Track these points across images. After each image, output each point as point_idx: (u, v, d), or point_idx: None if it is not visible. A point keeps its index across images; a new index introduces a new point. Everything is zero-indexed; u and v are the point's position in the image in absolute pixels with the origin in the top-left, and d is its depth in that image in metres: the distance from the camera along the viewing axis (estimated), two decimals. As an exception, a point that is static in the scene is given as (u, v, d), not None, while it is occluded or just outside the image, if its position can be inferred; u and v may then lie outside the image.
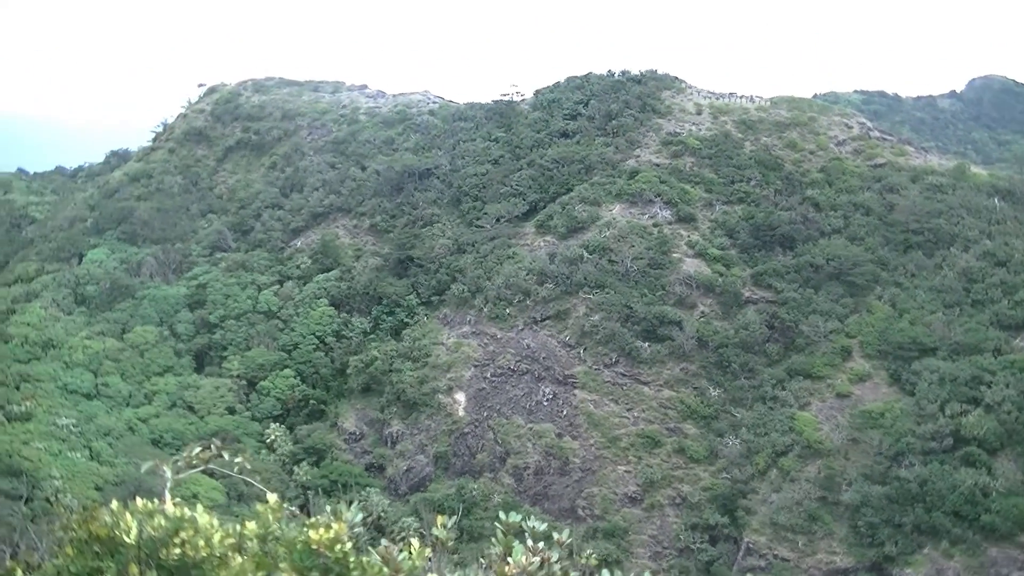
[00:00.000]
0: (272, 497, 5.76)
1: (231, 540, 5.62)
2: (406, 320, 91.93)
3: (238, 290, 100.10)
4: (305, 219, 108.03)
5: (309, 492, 73.28)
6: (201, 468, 7.92)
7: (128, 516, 5.57)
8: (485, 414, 77.90)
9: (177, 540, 5.43)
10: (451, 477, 75.22)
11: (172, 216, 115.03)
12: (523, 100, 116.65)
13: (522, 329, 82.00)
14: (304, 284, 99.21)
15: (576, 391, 76.24)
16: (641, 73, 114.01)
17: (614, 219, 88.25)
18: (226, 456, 7.83)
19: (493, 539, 6.13)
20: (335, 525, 5.29)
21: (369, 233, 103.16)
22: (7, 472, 65.10)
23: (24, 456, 69.22)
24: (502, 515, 6.71)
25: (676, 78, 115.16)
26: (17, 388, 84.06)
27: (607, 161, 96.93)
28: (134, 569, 5.23)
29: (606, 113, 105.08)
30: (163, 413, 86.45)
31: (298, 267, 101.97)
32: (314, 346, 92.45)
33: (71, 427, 78.75)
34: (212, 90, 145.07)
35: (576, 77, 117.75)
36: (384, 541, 5.84)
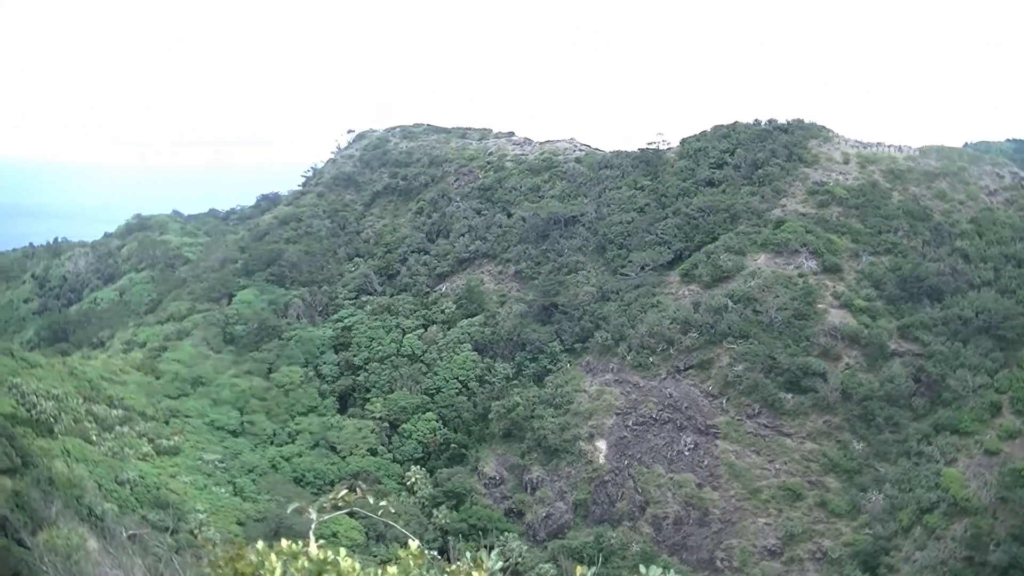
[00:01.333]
0: (413, 543, 5.85)
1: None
2: (549, 367, 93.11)
3: (383, 333, 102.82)
4: (451, 264, 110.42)
5: (448, 536, 75.61)
6: (346, 511, 8.06)
7: (273, 557, 5.87)
8: (626, 462, 78.60)
9: None
10: (590, 525, 75.84)
11: (320, 259, 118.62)
12: (669, 148, 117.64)
13: (665, 378, 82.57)
14: (448, 328, 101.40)
15: (718, 441, 76.57)
16: (788, 122, 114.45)
17: (759, 269, 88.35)
18: (371, 500, 7.93)
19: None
20: (475, 573, 5.32)
21: (514, 279, 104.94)
22: (155, 504, 66.92)
23: (171, 489, 71.57)
24: (642, 568, 6.77)
25: (823, 127, 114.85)
26: (166, 423, 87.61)
27: (753, 210, 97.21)
28: None
29: (752, 162, 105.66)
30: (306, 452, 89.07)
31: (443, 311, 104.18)
32: (457, 390, 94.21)
33: (217, 463, 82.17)
34: (361, 136, 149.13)
35: (722, 126, 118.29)
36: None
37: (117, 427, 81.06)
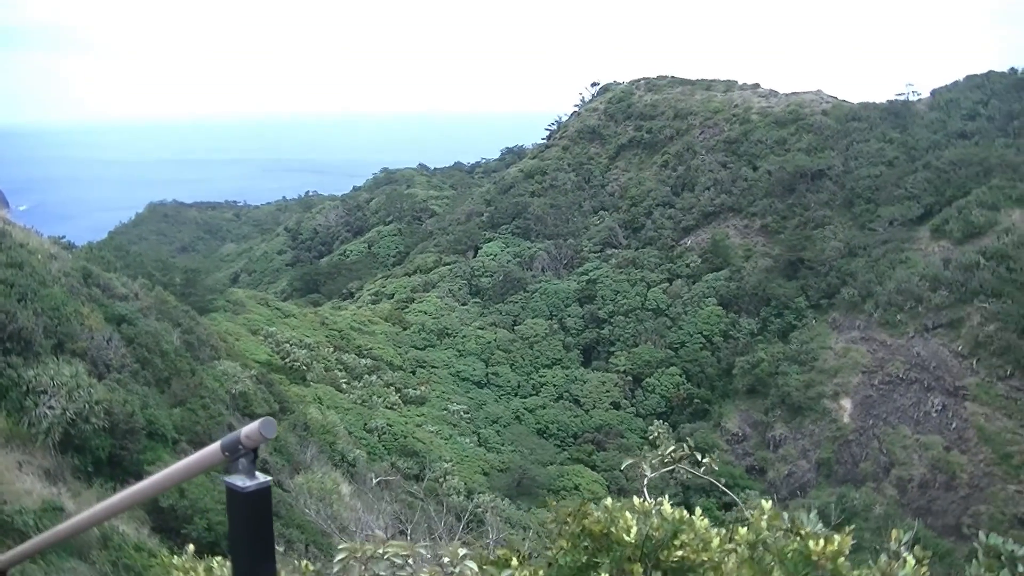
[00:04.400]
0: (766, 504, 5.40)
1: (728, 546, 5.40)
2: (794, 323, 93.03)
3: (627, 287, 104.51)
4: (695, 218, 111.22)
5: (689, 491, 77.96)
6: (671, 468, 7.78)
7: (627, 514, 5.50)
8: (871, 422, 78.49)
9: (677, 542, 5.36)
10: (832, 484, 75.77)
11: (564, 212, 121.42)
12: (919, 100, 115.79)
13: (912, 336, 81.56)
14: (693, 283, 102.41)
15: (967, 403, 75.16)
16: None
17: (1014, 224, 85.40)
18: (699, 457, 7.54)
19: (975, 561, 5.31)
20: (838, 537, 4.87)
21: (759, 234, 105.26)
22: (402, 452, 70.92)
23: (417, 438, 75.33)
24: (982, 536, 5.64)
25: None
26: (413, 373, 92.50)
27: (1008, 164, 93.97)
28: (638, 568, 5.26)
29: (1007, 113, 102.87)
30: (549, 404, 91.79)
31: (687, 265, 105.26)
32: (700, 345, 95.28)
33: (462, 413, 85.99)
34: (605, 88, 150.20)
35: (975, 76, 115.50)
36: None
37: (366, 376, 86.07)
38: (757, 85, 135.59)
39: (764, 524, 5.29)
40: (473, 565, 5.32)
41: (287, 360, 78.85)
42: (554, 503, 5.73)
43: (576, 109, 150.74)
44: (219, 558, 7.68)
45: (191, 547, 8.01)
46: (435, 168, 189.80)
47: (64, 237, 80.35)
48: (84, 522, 5.86)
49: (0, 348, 34.50)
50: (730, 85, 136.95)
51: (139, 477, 30.59)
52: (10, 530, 21.80)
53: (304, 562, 6.94)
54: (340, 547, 5.48)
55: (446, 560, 5.46)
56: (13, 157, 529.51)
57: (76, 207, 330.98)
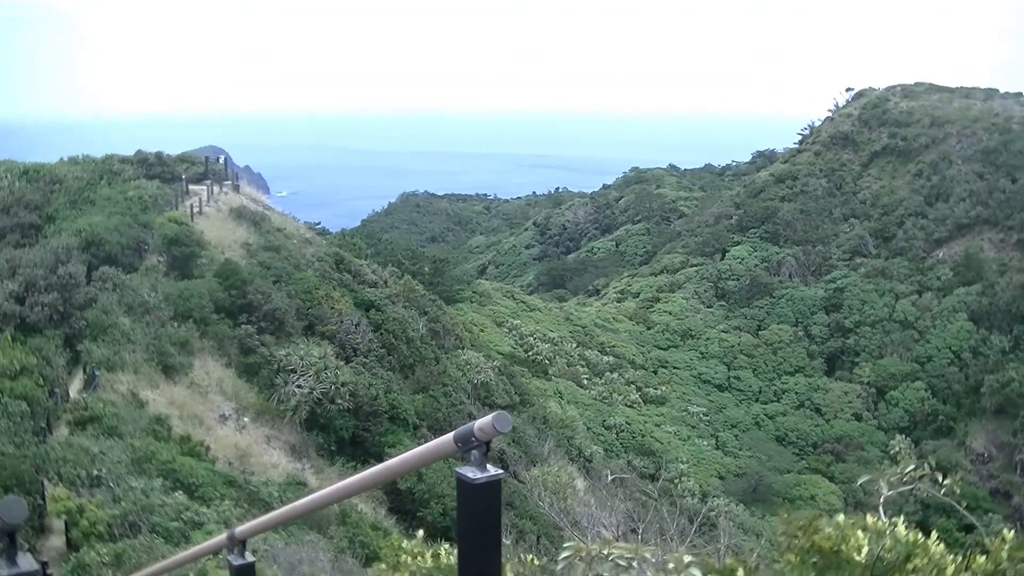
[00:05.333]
0: (1008, 533, 5.12)
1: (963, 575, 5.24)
2: None
3: (875, 297, 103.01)
4: (949, 229, 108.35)
5: (929, 509, 76.28)
6: (911, 487, 7.07)
7: (859, 533, 5.34)
8: None
9: (909, 567, 5.18)
10: None
11: (814, 218, 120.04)
12: None
13: None
14: (943, 296, 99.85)
15: None
16: None
17: None
18: (940, 478, 6.78)
19: None
20: None
21: (1016, 248, 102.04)
22: (639, 450, 72.58)
23: (655, 437, 76.82)
24: None
25: None
26: (654, 372, 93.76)
27: None
28: None
29: None
30: (790, 412, 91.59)
31: (938, 278, 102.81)
32: (948, 360, 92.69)
33: (701, 415, 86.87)
34: (860, 94, 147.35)
35: None
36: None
37: (607, 373, 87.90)
38: (1020, 94, 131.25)
39: (1004, 555, 5.17)
40: (698, 573, 5.31)
41: (530, 353, 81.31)
42: (786, 514, 5.71)
43: (829, 114, 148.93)
44: (447, 545, 8.59)
45: (420, 532, 9.27)
46: (685, 169, 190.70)
47: (319, 223, 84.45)
48: (325, 499, 6.07)
49: (255, 327, 38.17)
50: (990, 94, 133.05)
51: (379, 459, 33.71)
52: (256, 500, 24.65)
53: (530, 556, 7.76)
54: (565, 545, 5.51)
55: (671, 566, 5.41)
56: (275, 144, 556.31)
57: (331, 194, 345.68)
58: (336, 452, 35.79)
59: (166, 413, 29.06)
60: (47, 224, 46.28)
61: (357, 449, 36.70)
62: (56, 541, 19.88)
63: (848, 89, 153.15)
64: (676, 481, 65.00)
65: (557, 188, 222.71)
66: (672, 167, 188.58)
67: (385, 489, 32.79)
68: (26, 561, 3.76)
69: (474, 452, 4.23)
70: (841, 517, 5.69)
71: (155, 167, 57.23)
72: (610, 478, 49.84)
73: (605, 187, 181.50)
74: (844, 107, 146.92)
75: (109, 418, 25.92)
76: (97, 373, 29.70)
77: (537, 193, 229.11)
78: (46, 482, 21.11)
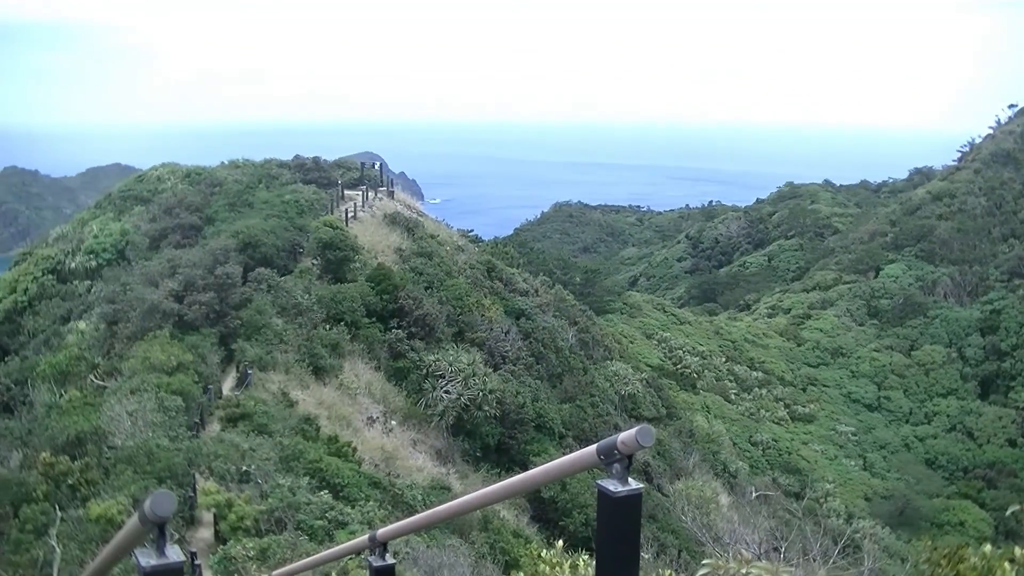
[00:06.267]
0: None
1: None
2: None
3: None
4: None
5: None
6: None
7: (1006, 565, 5.34)
8: None
9: None
10: None
11: (972, 238, 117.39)
12: None
13: None
14: None
15: None
16: None
17: None
18: None
19: None
20: None
21: None
22: (784, 468, 71.93)
23: (801, 455, 76.45)
24: None
25: None
26: (803, 390, 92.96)
27: None
28: None
29: None
30: (940, 435, 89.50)
31: None
32: None
33: (850, 435, 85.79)
34: (1022, 111, 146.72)
35: None
36: None
37: (755, 389, 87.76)
38: None
39: None
40: None
41: (678, 366, 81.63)
42: (931, 541, 5.74)
43: (991, 131, 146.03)
44: (586, 556, 8.81)
45: (560, 543, 9.32)
46: (840, 185, 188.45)
47: (472, 231, 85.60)
48: (468, 504, 6.00)
49: (406, 332, 39.34)
50: None
51: (524, 467, 34.72)
52: (399, 502, 25.51)
53: (668, 572, 8.02)
54: (704, 563, 5.54)
55: (809, 587, 4.84)
56: (428, 152, 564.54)
57: (483, 202, 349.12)
58: (481, 458, 36.46)
59: (315, 413, 30.31)
60: (207, 225, 48.69)
61: (502, 456, 37.27)
62: (205, 533, 21.07)
63: (1011, 105, 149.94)
64: (821, 501, 64.38)
65: (710, 201, 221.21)
66: (827, 182, 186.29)
67: (528, 497, 33.20)
68: (174, 552, 3.83)
69: (616, 465, 4.22)
70: (988, 547, 5.73)
71: (312, 172, 59.37)
72: (754, 495, 51.13)
73: (759, 201, 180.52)
74: (1006, 124, 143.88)
75: (260, 416, 27.14)
76: (250, 372, 31.10)
77: (690, 206, 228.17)
78: (197, 475, 22.31)
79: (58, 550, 14.84)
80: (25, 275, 56.73)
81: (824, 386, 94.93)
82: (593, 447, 4.33)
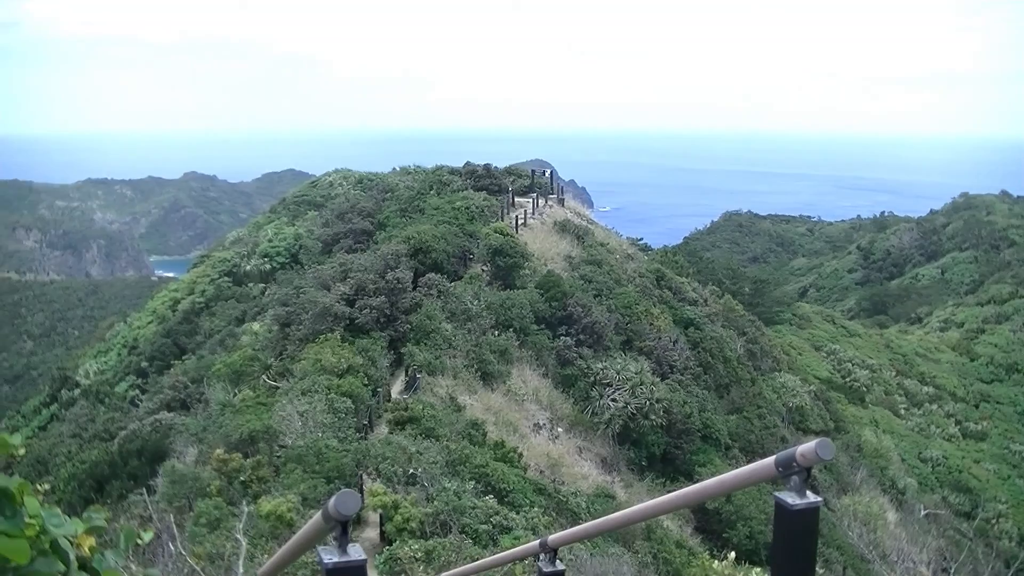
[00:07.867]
0: None
1: None
2: None
3: None
4: None
5: None
6: None
7: None
8: None
9: None
10: None
11: None
12: None
13: None
14: None
15: None
16: None
17: None
18: None
19: None
20: None
21: None
22: (954, 486, 69.01)
23: (972, 474, 73.15)
24: None
25: None
26: (976, 407, 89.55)
27: None
28: None
29: None
30: None
31: None
32: None
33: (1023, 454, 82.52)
34: None
35: None
36: None
37: (926, 404, 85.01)
38: None
39: None
40: None
41: (847, 379, 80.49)
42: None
43: None
44: (757, 569, 8.91)
45: (732, 555, 9.49)
46: (1018, 196, 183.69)
47: (641, 239, 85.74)
48: (634, 515, 5.86)
49: (574, 339, 39.41)
50: None
51: (689, 477, 35.23)
52: (564, 509, 25.38)
53: None
54: None
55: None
56: (597, 160, 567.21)
57: (652, 211, 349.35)
58: (646, 467, 36.38)
59: (482, 419, 30.58)
60: (378, 230, 50.23)
61: (667, 466, 37.11)
62: (371, 533, 21.59)
63: None
64: (993, 522, 62.83)
65: (882, 212, 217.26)
66: (1005, 193, 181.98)
67: (692, 507, 32.67)
68: (356, 551, 3.91)
69: (794, 478, 4.12)
70: None
71: (483, 179, 59.90)
72: (923, 513, 49.71)
73: (932, 212, 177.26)
74: None
75: (427, 420, 27.58)
76: (418, 376, 31.73)
77: (862, 216, 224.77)
78: (365, 476, 23.03)
79: (244, 544, 16.03)
80: (202, 277, 60.10)
81: (998, 403, 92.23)
82: (771, 459, 4.26)
